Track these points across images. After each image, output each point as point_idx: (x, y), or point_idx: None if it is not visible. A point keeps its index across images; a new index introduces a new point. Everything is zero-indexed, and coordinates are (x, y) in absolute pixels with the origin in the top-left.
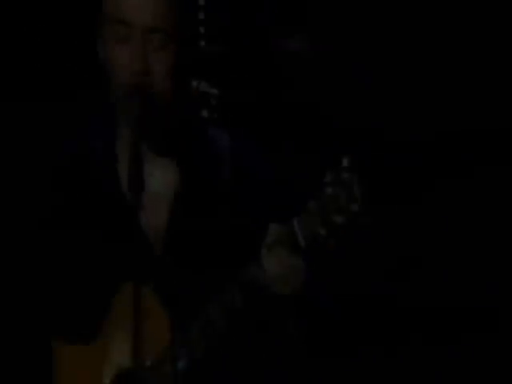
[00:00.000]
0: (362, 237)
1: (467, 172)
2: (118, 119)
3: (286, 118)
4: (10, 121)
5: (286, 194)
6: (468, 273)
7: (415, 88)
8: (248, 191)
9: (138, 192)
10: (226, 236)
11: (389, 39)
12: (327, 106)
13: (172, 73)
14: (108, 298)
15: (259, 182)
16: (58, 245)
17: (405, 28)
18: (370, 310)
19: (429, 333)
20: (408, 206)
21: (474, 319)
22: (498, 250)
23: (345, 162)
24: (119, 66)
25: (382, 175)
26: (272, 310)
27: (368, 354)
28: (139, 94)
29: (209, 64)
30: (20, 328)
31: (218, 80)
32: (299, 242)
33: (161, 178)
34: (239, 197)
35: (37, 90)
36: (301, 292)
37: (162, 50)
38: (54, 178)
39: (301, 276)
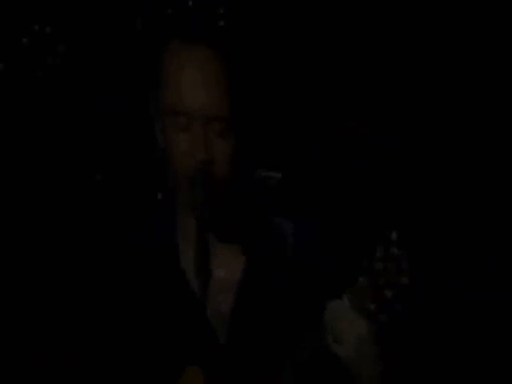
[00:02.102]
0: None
1: None
2: (178, 207)
3: (345, 197)
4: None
5: (339, 271)
6: None
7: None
8: (307, 275)
9: (206, 280)
10: (286, 320)
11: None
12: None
13: (234, 159)
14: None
15: (318, 265)
16: (123, 331)
17: None
18: None
19: None
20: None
21: None
22: None
23: (393, 237)
24: (181, 154)
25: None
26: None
27: None
28: (202, 182)
29: (271, 150)
30: None
31: (281, 164)
32: None
33: (225, 265)
34: (298, 280)
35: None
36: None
37: (223, 137)
38: (117, 269)
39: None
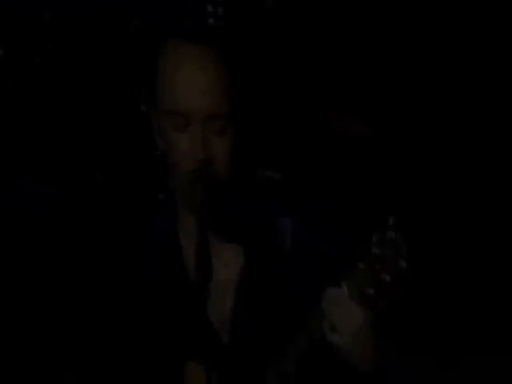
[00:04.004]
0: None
1: None
2: (179, 207)
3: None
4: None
5: (338, 260)
6: None
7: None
8: (306, 269)
9: (207, 280)
10: (287, 315)
11: None
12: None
13: (233, 158)
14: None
15: (317, 258)
16: (124, 329)
17: None
18: None
19: None
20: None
21: None
22: None
23: (390, 221)
24: (180, 154)
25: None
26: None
27: None
28: (202, 181)
29: (271, 148)
30: None
31: (280, 164)
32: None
33: (226, 264)
34: (298, 275)
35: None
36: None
37: (221, 136)
38: (118, 268)
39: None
